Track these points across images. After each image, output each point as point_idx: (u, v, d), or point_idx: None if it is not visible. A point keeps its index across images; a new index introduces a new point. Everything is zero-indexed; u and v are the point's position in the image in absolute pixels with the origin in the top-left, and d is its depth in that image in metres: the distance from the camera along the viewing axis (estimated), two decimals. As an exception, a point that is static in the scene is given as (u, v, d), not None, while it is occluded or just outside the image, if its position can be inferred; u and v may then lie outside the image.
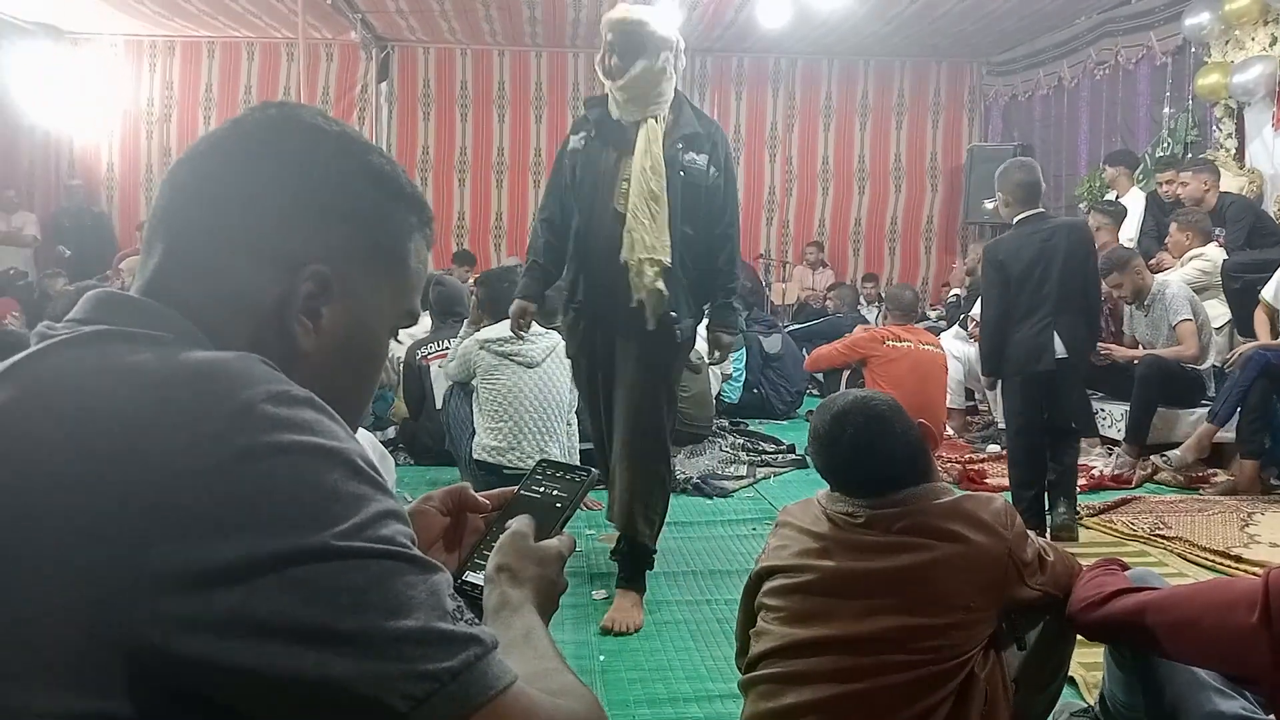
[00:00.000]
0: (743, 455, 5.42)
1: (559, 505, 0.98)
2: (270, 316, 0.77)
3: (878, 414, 1.83)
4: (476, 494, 1.03)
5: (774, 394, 6.79)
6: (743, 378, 6.74)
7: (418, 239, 0.87)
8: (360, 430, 2.87)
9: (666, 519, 3.26)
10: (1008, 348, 3.98)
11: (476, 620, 0.70)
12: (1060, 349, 3.90)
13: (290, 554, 0.62)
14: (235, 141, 0.81)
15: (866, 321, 7.98)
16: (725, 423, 6.18)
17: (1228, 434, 4.92)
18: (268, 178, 0.78)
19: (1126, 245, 6.26)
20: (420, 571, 0.68)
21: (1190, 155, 7.04)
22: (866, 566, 1.76)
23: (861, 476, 1.82)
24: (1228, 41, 6.74)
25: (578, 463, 2.35)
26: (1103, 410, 5.52)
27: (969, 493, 1.91)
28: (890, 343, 5.40)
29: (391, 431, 5.40)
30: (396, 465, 4.98)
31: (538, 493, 1.00)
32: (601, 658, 2.81)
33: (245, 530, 0.62)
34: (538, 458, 4.14)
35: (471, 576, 0.93)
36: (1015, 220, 4.02)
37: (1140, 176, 7.10)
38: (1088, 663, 2.65)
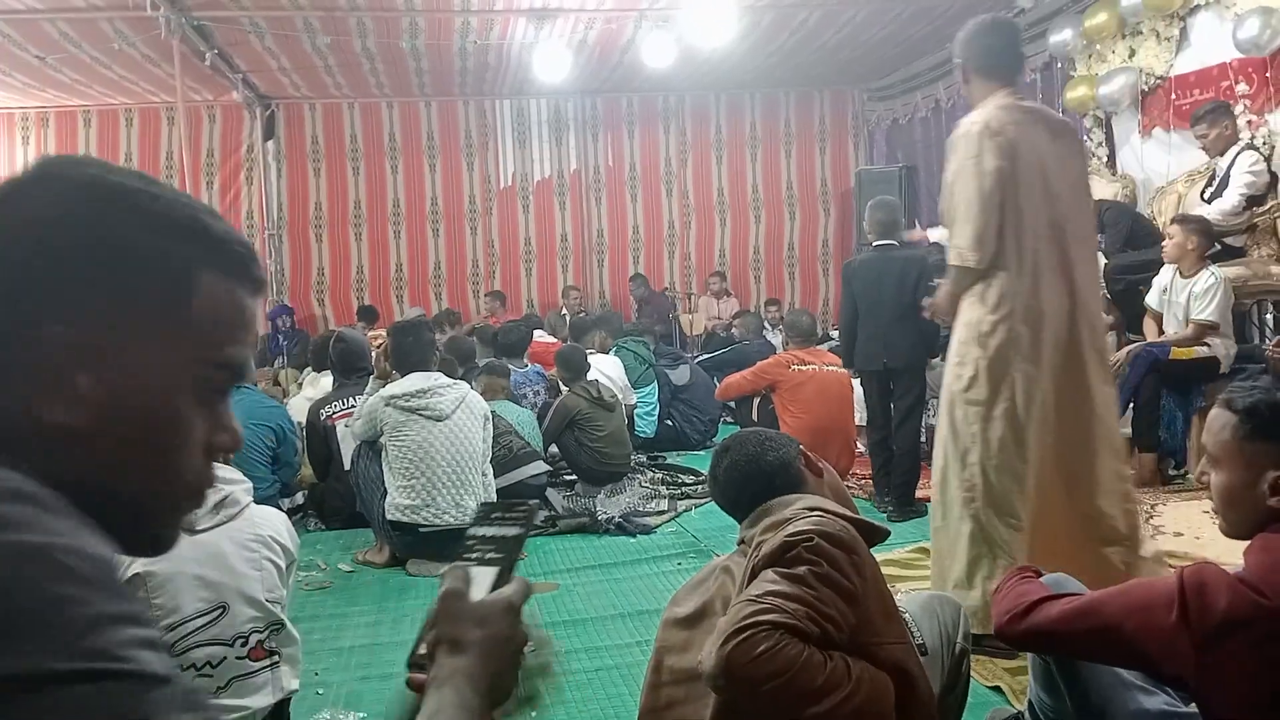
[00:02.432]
0: (663, 489, 5.41)
1: (503, 550, 0.91)
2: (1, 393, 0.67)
3: (741, 443, 1.98)
4: None
5: (687, 425, 6.81)
6: (656, 411, 6.75)
7: (208, 276, 0.73)
8: (268, 509, 2.77)
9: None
10: (855, 349, 4.89)
11: None
12: (887, 355, 4.74)
13: None
14: None
15: (773, 346, 8.08)
16: (643, 458, 6.17)
17: (1123, 430, 5.09)
18: None
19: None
20: (153, 688, 0.56)
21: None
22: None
23: (728, 505, 2.00)
24: (1091, 56, 7.07)
25: None
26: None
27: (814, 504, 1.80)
28: (795, 367, 5.48)
29: (300, 497, 5.24)
30: (307, 530, 4.84)
31: (482, 537, 0.93)
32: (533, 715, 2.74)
33: None
34: (452, 514, 4.09)
35: (423, 650, 0.85)
36: (872, 245, 5.00)
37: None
38: (1013, 669, 2.69)
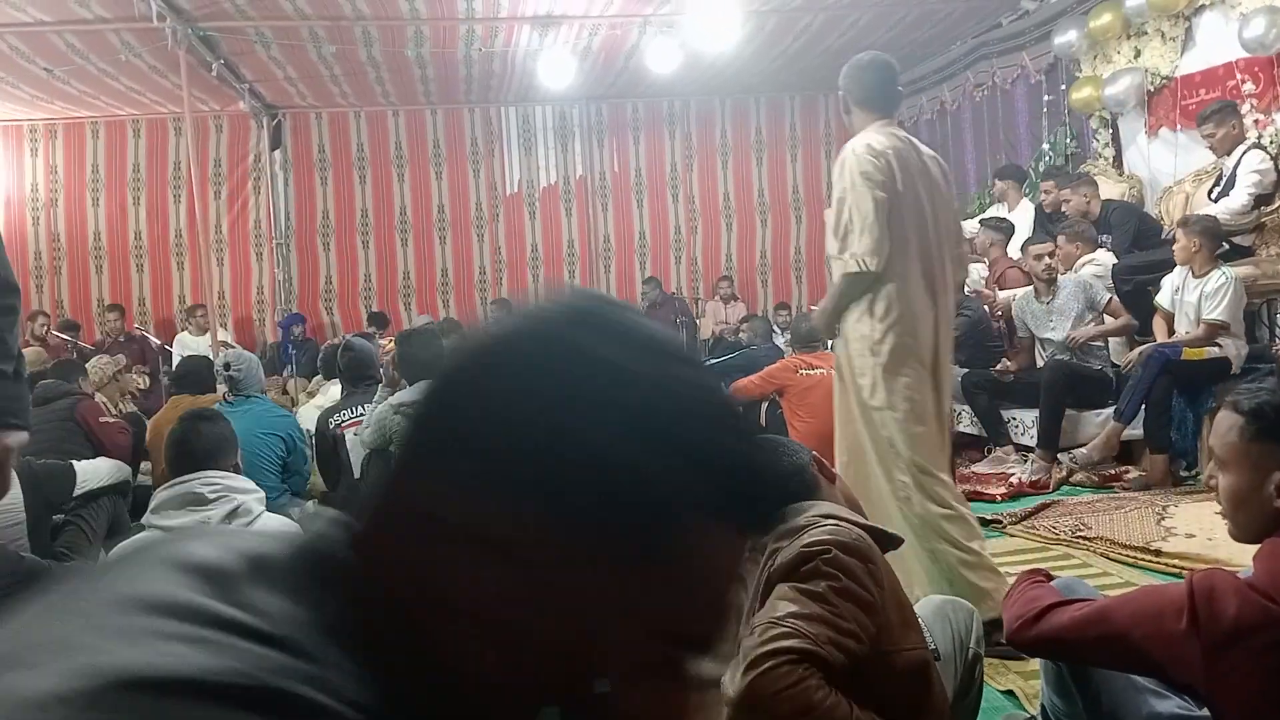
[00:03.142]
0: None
1: None
2: None
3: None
4: None
5: (696, 431, 6.79)
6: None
7: (700, 517, 0.54)
8: (279, 519, 2.77)
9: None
10: None
11: None
12: None
13: None
14: None
15: (781, 350, 8.07)
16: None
17: (1135, 431, 5.08)
18: None
19: (1013, 257, 6.48)
20: None
21: (1071, 166, 7.34)
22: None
23: None
24: (1096, 56, 7.07)
25: None
26: (1014, 418, 5.67)
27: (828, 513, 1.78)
28: (804, 371, 5.47)
29: (311, 506, 5.25)
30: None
31: None
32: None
33: None
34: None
35: None
36: None
37: (1028, 189, 7.36)
38: (1026, 672, 2.68)
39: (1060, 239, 5.86)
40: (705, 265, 10.96)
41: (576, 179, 10.72)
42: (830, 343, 6.57)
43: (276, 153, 10.17)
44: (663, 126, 10.81)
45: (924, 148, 3.25)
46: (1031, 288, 5.73)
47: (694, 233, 10.94)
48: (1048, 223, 6.58)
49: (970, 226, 6.47)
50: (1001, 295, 6.24)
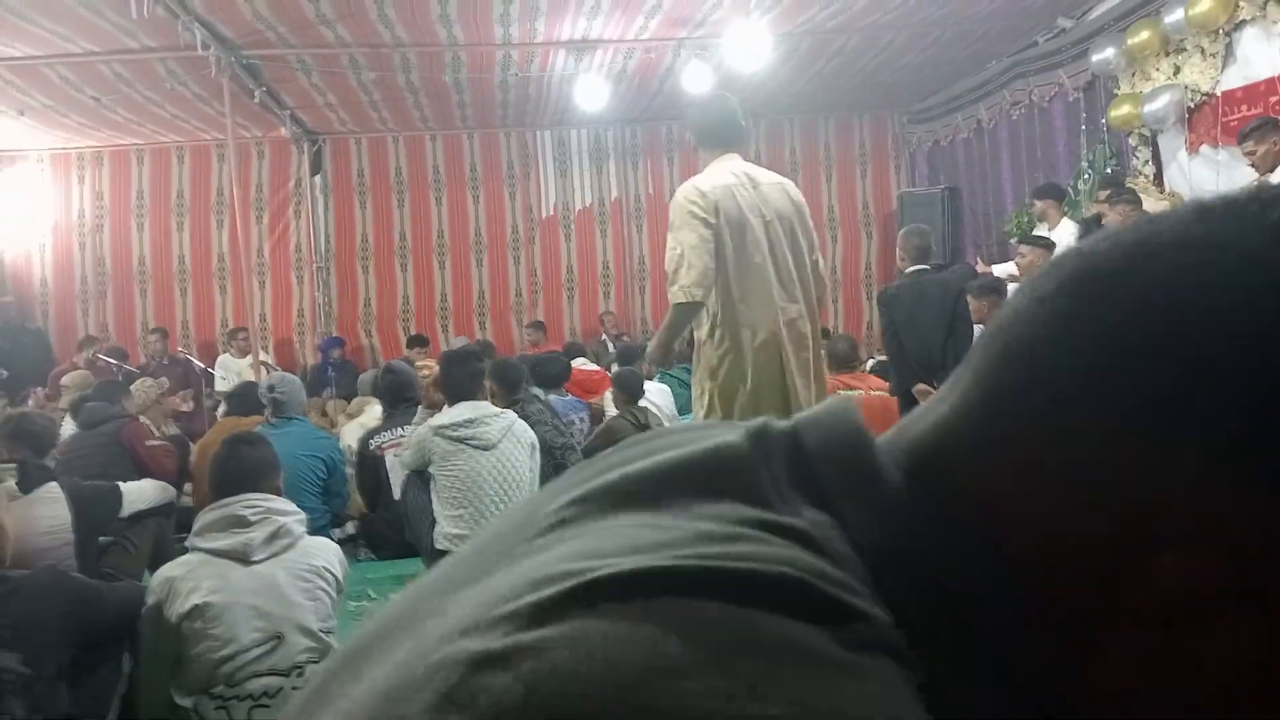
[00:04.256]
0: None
1: None
2: None
3: None
4: None
5: (733, 452, 6.77)
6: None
7: None
8: (320, 540, 2.81)
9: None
10: (902, 374, 5.09)
11: None
12: (937, 378, 4.81)
13: None
14: None
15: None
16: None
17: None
18: None
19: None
20: None
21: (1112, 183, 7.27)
22: None
23: None
24: (1134, 74, 7.01)
25: None
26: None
27: None
28: (841, 393, 5.44)
29: (350, 527, 5.30)
30: (357, 560, 4.89)
31: None
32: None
33: None
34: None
35: None
36: (906, 271, 5.14)
37: (1067, 208, 7.30)
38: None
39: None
40: (740, 286, 10.94)
41: (612, 201, 10.78)
42: (866, 364, 6.54)
43: (317, 177, 10.32)
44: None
45: (768, 176, 3.49)
46: None
47: (729, 253, 10.94)
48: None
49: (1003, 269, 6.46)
50: None
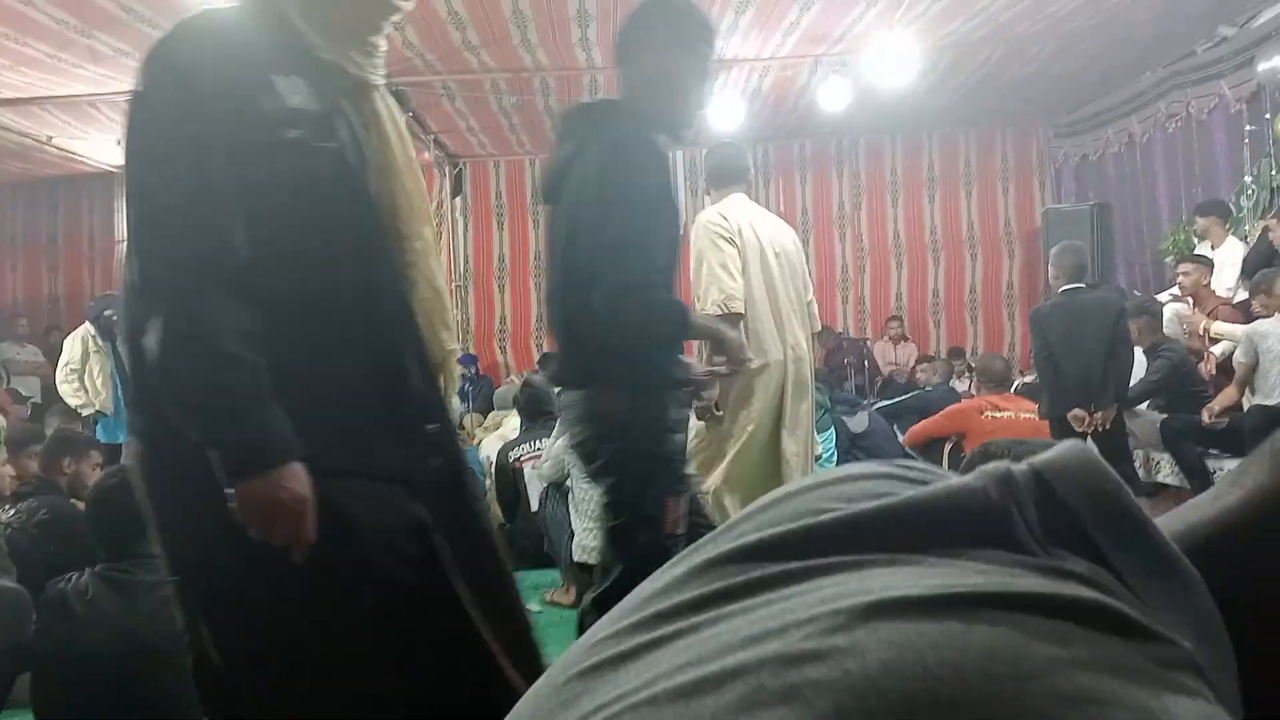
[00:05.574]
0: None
1: None
2: None
3: None
4: None
5: (868, 474, 6.63)
6: (834, 458, 6.62)
7: None
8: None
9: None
10: (1055, 398, 4.95)
11: None
12: (1094, 401, 4.75)
13: None
14: None
15: (956, 393, 7.81)
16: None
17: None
18: None
19: (1223, 295, 6.08)
20: None
21: (1276, 200, 6.85)
22: None
23: None
24: (1304, 81, 6.60)
25: None
26: (1219, 469, 5.28)
27: None
28: (989, 414, 5.28)
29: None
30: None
31: None
32: None
33: None
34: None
35: None
36: (1060, 290, 5.04)
37: (1230, 226, 6.91)
38: None
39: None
40: (873, 305, 10.76)
41: (744, 220, 10.74)
42: (1014, 384, 6.30)
43: (457, 200, 10.64)
44: (830, 165, 10.72)
45: (772, 218, 3.83)
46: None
47: (861, 271, 10.77)
48: (1276, 259, 6.09)
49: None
50: (1224, 327, 5.81)
